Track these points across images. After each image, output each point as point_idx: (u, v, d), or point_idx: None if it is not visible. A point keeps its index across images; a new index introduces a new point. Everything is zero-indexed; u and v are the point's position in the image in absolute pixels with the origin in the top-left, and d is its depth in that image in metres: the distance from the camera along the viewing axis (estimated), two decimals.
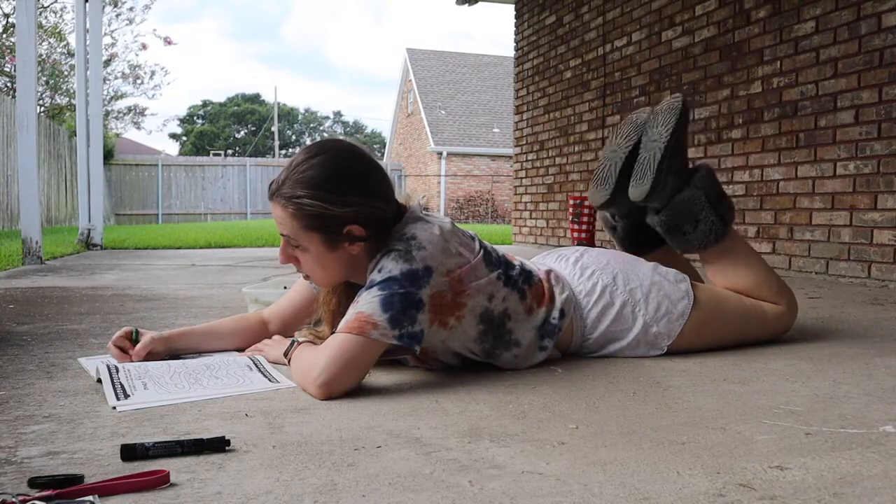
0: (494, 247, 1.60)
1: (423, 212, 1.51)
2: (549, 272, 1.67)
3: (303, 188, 1.40)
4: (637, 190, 1.80)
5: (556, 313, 1.61)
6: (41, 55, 14.32)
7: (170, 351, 1.65)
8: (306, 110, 53.04)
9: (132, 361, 1.57)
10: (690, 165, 1.88)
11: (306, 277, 1.56)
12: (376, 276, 1.39)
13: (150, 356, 1.60)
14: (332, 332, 1.42)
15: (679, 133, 1.79)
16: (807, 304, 2.71)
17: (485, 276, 1.50)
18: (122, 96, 18.15)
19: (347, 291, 1.53)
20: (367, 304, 1.37)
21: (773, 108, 4.19)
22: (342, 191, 1.41)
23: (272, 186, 1.45)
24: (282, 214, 1.43)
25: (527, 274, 1.60)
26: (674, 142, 1.77)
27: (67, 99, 15.30)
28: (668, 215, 1.82)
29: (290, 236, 1.45)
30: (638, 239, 1.97)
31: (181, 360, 1.60)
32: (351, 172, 1.44)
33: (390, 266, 1.39)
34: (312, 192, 1.40)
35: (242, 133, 48.46)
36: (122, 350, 1.60)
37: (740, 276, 1.85)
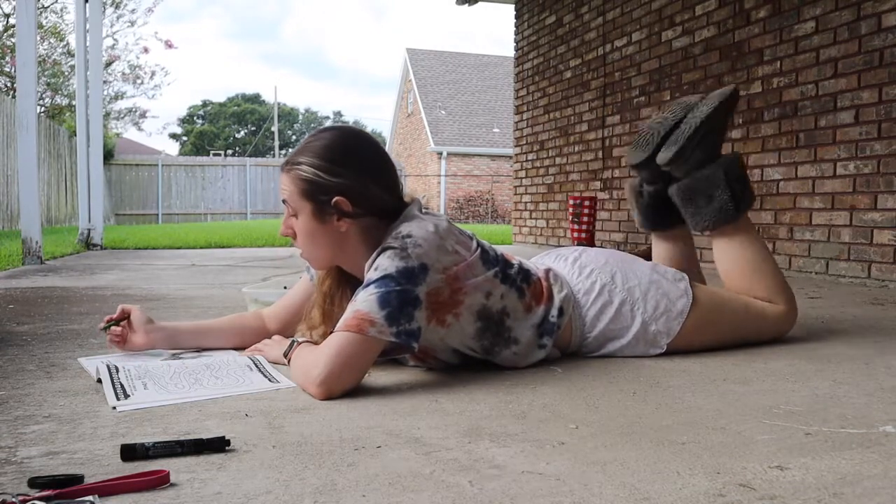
0: (493, 246, 1.61)
1: (421, 210, 1.53)
2: (547, 271, 1.67)
3: (304, 156, 1.49)
4: (665, 154, 1.88)
5: (554, 311, 1.62)
6: (41, 55, 14.31)
7: (169, 341, 1.70)
8: (306, 110, 53.08)
9: (134, 343, 1.66)
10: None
11: (303, 256, 1.59)
12: (373, 275, 1.40)
13: (150, 343, 1.67)
14: (330, 332, 1.43)
15: (719, 114, 1.87)
16: (807, 304, 2.71)
17: (482, 274, 1.50)
18: (122, 96, 18.17)
19: (346, 293, 1.53)
20: (363, 302, 1.37)
21: (773, 108, 4.19)
22: (337, 162, 1.48)
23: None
24: (284, 179, 1.52)
25: (525, 273, 1.61)
26: (711, 120, 1.86)
27: (67, 99, 15.30)
28: (686, 185, 1.89)
29: (288, 203, 1.52)
30: (660, 212, 2.02)
31: (181, 360, 1.60)
32: (351, 150, 1.51)
33: (386, 264, 1.40)
34: (311, 159, 1.48)
35: (242, 133, 48.46)
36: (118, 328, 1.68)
37: (738, 260, 1.89)
